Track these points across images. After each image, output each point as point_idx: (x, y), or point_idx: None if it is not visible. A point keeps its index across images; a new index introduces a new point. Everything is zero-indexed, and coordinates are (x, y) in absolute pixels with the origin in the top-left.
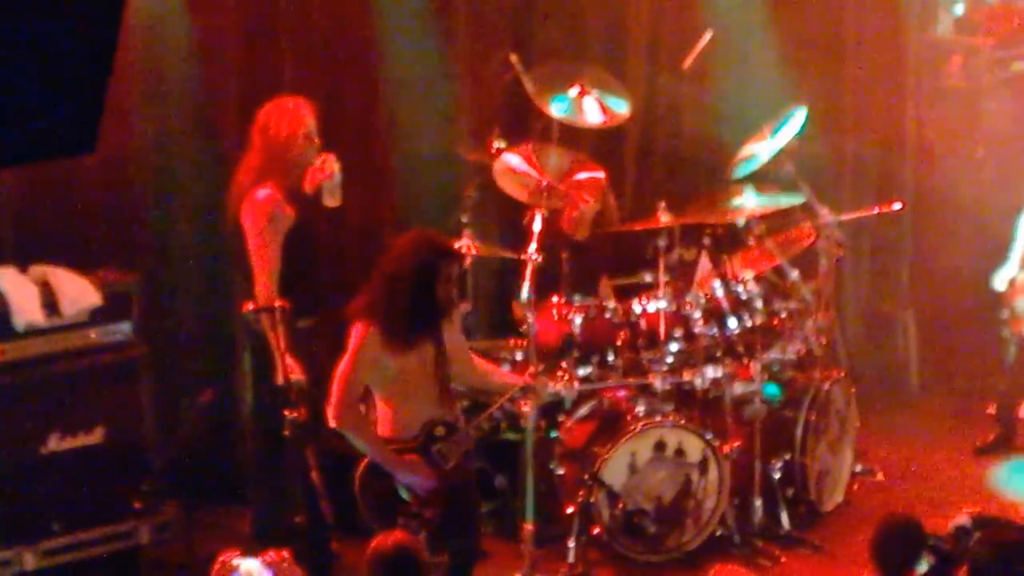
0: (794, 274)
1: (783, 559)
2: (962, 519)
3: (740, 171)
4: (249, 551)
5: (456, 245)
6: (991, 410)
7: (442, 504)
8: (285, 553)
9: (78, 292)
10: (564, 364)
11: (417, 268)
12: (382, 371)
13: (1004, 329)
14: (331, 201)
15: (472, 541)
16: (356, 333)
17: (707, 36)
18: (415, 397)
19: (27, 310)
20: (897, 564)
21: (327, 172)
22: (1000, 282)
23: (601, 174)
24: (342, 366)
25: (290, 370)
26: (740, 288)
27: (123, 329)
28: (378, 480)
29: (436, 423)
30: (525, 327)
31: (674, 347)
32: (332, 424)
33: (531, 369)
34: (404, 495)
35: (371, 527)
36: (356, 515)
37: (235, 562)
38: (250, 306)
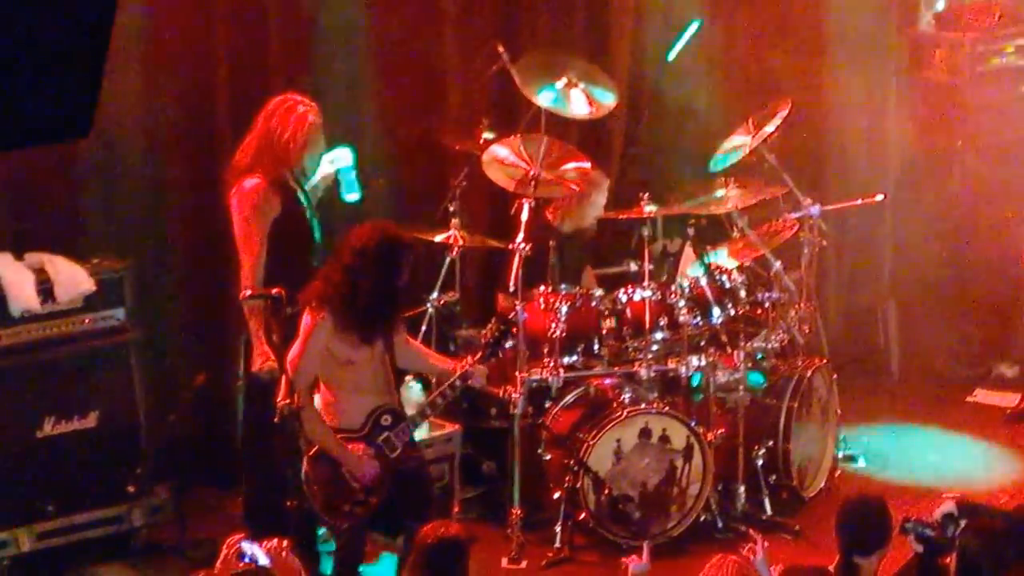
0: (777, 264)
1: (766, 544)
2: (948, 506)
3: (724, 162)
4: (250, 537)
5: (447, 234)
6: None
7: (389, 491)
8: (284, 542)
9: (72, 278)
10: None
11: (379, 260)
12: (332, 359)
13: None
14: (349, 195)
15: (425, 522)
16: (308, 320)
17: (693, 28)
18: (362, 386)
19: (23, 296)
20: (864, 543)
21: (339, 165)
22: None
23: (588, 164)
24: (293, 351)
25: (265, 358)
26: (724, 278)
27: (117, 314)
28: (326, 466)
29: (382, 412)
30: (512, 316)
31: (659, 336)
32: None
33: (469, 357)
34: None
35: (318, 514)
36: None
37: (243, 546)
38: (246, 292)
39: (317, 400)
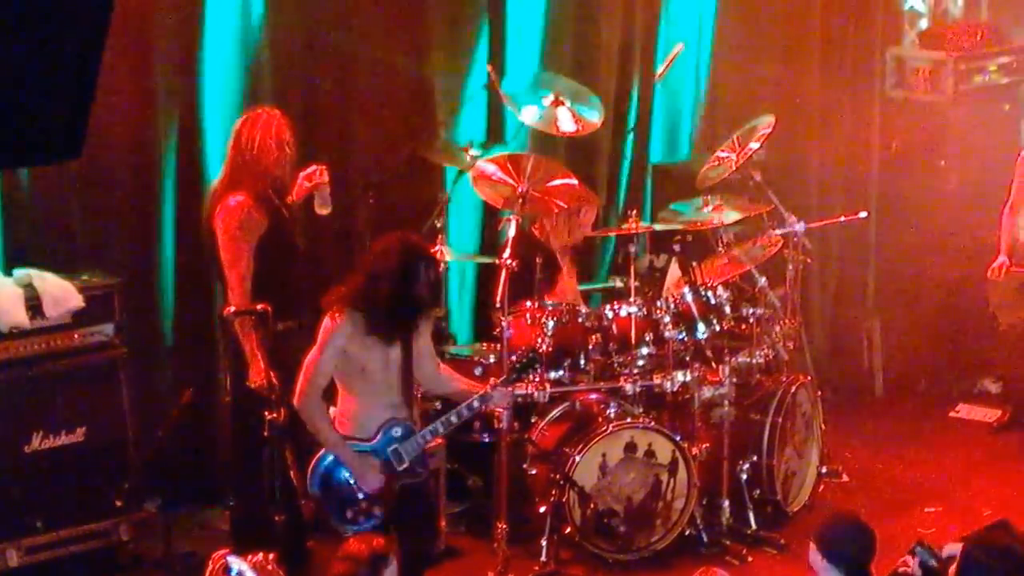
0: (762, 280)
1: (750, 558)
2: (954, 548)
3: (709, 179)
4: (235, 552)
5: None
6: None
7: (392, 504)
8: (270, 555)
9: (61, 294)
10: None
11: (401, 268)
12: (349, 364)
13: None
14: (322, 209)
15: (424, 544)
16: (328, 322)
17: (679, 48)
18: (377, 396)
19: (12, 312)
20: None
21: (318, 181)
22: (993, 272)
23: (574, 181)
24: (312, 353)
25: (263, 374)
26: (709, 294)
27: (105, 331)
28: (332, 475)
29: (394, 424)
30: (498, 331)
31: (644, 351)
32: (296, 404)
33: (492, 380)
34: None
35: (320, 518)
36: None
37: (229, 560)
38: (231, 308)
39: (332, 408)
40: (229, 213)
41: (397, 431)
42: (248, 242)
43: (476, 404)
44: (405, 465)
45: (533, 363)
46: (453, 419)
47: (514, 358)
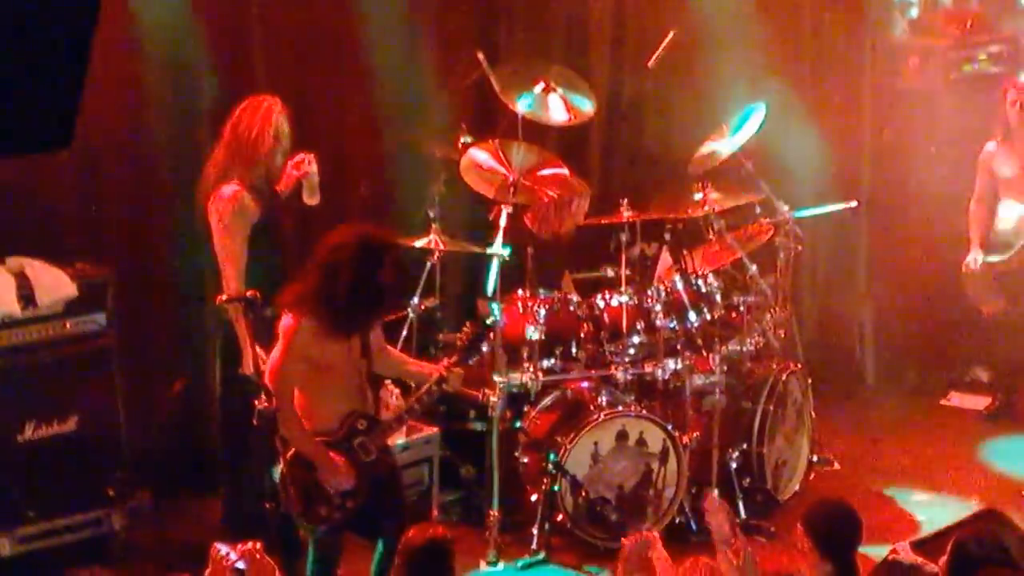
0: (753, 269)
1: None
2: (932, 569)
3: (700, 168)
4: (225, 541)
5: (427, 239)
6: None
7: (364, 496)
8: (257, 544)
9: (54, 283)
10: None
11: (360, 260)
12: (310, 362)
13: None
14: (311, 199)
15: (400, 526)
16: (288, 324)
17: (670, 36)
18: (337, 390)
19: (3, 301)
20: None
21: (306, 171)
22: (967, 265)
23: (565, 170)
24: (274, 356)
25: (257, 361)
26: (700, 282)
27: (97, 320)
28: (303, 470)
29: (357, 416)
30: (491, 321)
31: (636, 340)
32: (274, 409)
33: (445, 360)
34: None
35: (293, 516)
36: None
37: (219, 548)
38: (222, 297)
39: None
40: (224, 203)
41: (362, 423)
42: (243, 231)
43: (435, 388)
44: (372, 457)
45: (480, 339)
46: (416, 407)
47: (460, 336)
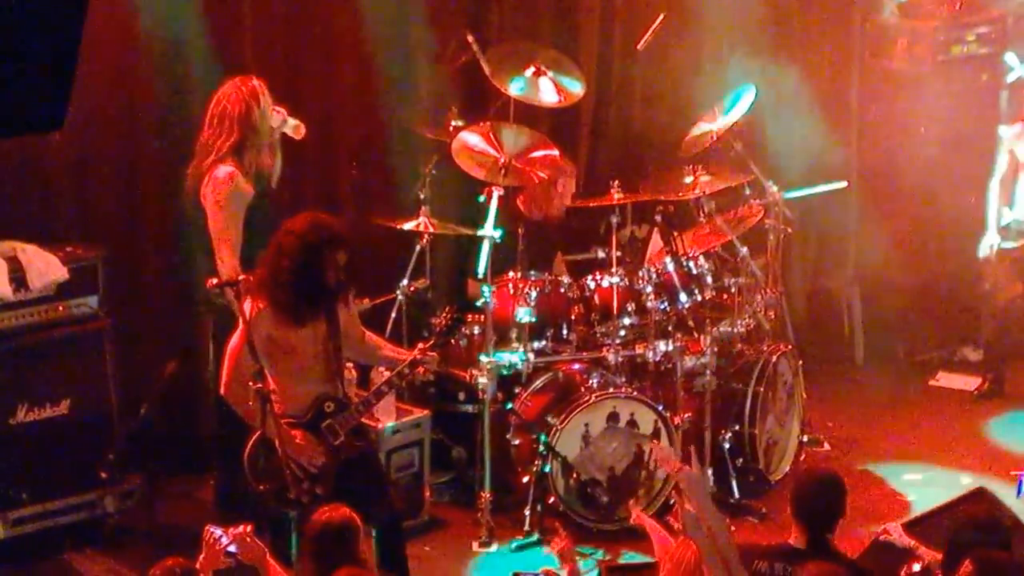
0: (743, 250)
1: (732, 527)
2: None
3: (691, 150)
4: (218, 523)
5: (417, 221)
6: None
7: (333, 479)
8: (248, 527)
9: (45, 266)
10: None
11: (303, 250)
12: (275, 345)
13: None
14: (298, 134)
15: (385, 508)
16: (247, 308)
17: (659, 19)
18: (305, 374)
19: None
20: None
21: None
22: (984, 249)
23: (556, 152)
24: (233, 340)
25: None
26: (691, 264)
27: (89, 302)
28: (269, 454)
29: (326, 399)
30: (481, 302)
31: (627, 321)
32: (221, 392)
33: (420, 344)
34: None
35: (259, 500)
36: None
37: (212, 531)
38: (213, 280)
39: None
40: (219, 184)
41: (330, 406)
42: (238, 213)
43: (407, 371)
44: (341, 439)
45: (457, 325)
46: (384, 388)
47: (438, 321)
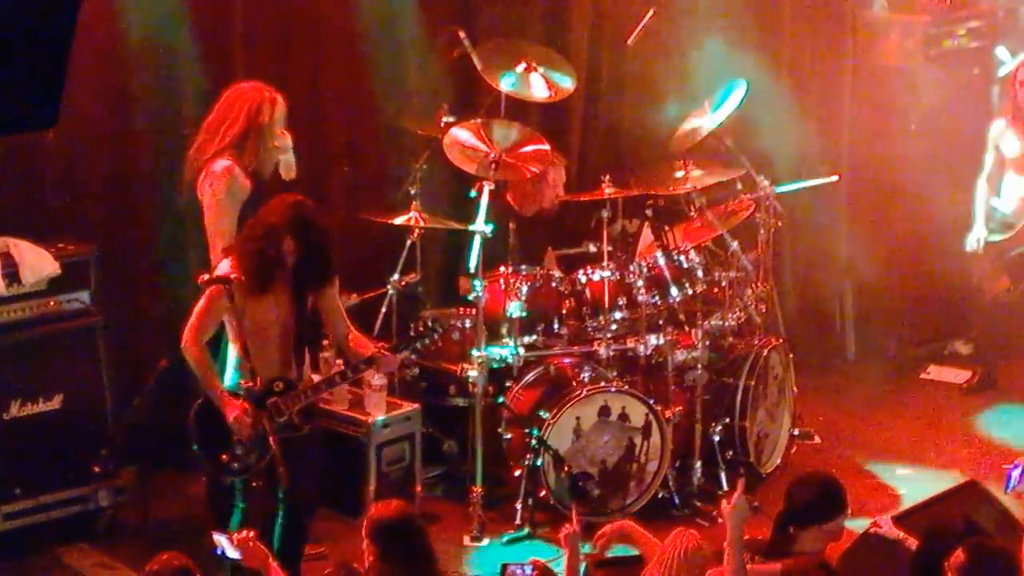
0: (734, 244)
1: (720, 519)
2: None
3: (682, 144)
4: (214, 520)
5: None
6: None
7: (269, 455)
8: (251, 533)
9: (38, 262)
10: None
11: (269, 228)
12: (238, 316)
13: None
14: (287, 174)
15: (301, 494)
16: (226, 267)
17: (650, 14)
18: (266, 353)
19: None
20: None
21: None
22: (971, 243)
23: (547, 147)
24: (203, 299)
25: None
26: (682, 258)
27: (81, 298)
28: (211, 417)
29: (277, 379)
30: (473, 296)
31: (618, 315)
32: (181, 345)
33: (381, 345)
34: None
35: (197, 460)
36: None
37: (215, 537)
38: (205, 276)
39: (231, 353)
40: (216, 178)
41: (279, 385)
42: (234, 208)
43: (362, 366)
44: (284, 418)
45: (428, 336)
46: (337, 379)
47: (416, 325)
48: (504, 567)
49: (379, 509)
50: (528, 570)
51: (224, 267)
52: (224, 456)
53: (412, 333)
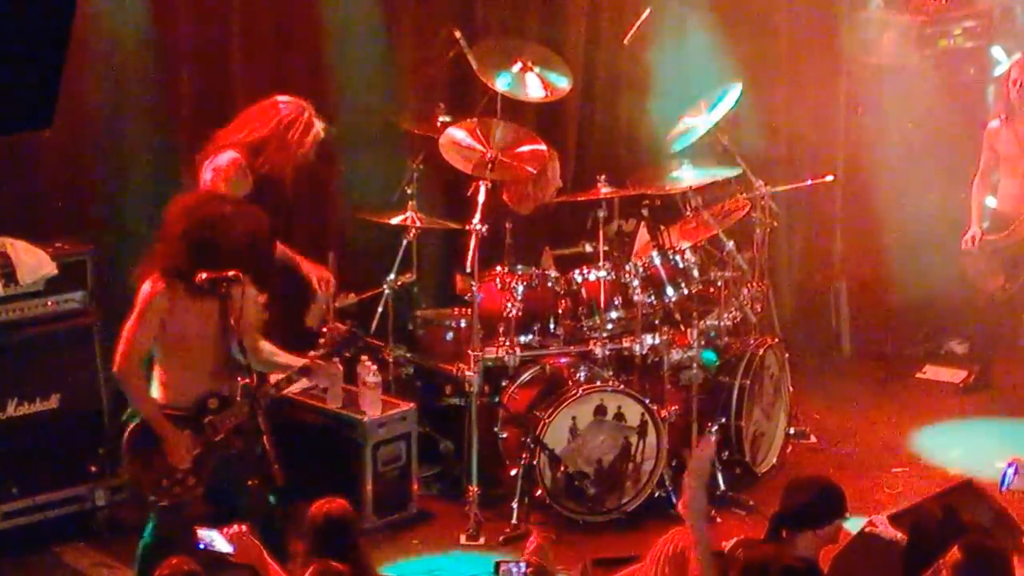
0: (730, 244)
1: (718, 519)
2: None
3: (677, 144)
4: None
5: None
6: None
7: (208, 474)
8: (244, 527)
9: (34, 262)
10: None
11: (204, 225)
12: (166, 331)
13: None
14: (311, 320)
15: (256, 505)
16: (146, 287)
17: (646, 13)
18: (195, 366)
19: None
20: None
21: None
22: (966, 242)
23: (543, 147)
24: (130, 320)
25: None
26: (677, 258)
27: (78, 298)
28: (147, 441)
29: (211, 396)
30: (469, 296)
31: (614, 315)
32: (114, 372)
33: (311, 352)
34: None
35: (136, 486)
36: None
37: (201, 533)
38: (202, 276)
39: (156, 371)
40: (219, 169)
41: (213, 403)
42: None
43: (295, 377)
44: (220, 436)
45: (350, 342)
46: (272, 391)
47: (331, 328)
48: (498, 565)
49: (321, 505)
50: (522, 567)
51: None
52: (164, 481)
53: (331, 340)
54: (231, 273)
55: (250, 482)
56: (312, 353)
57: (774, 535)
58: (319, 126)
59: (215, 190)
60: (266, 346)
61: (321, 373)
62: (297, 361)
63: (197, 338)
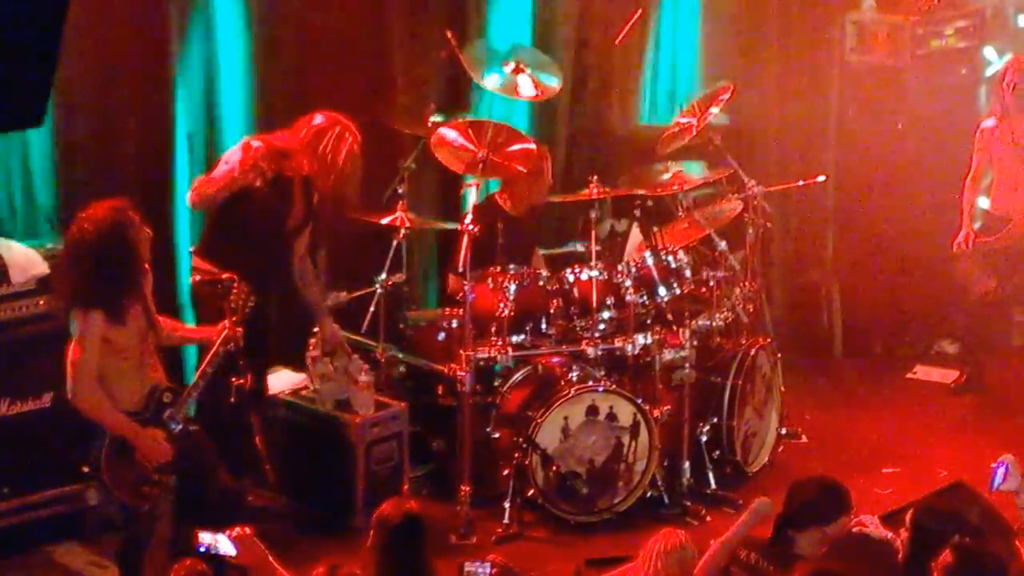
0: (722, 244)
1: (708, 518)
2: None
3: (669, 145)
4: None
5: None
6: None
7: (176, 468)
8: (248, 529)
9: (26, 261)
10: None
11: (112, 238)
12: (108, 348)
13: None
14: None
15: (215, 485)
16: (81, 320)
17: (638, 14)
18: (133, 369)
19: None
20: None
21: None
22: (958, 244)
23: (533, 146)
24: (73, 351)
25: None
26: (670, 258)
27: None
28: (121, 456)
29: (162, 390)
30: (461, 296)
31: (606, 315)
32: (73, 404)
33: (226, 321)
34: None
35: (118, 501)
36: (297, 478)
37: (203, 536)
38: (197, 277)
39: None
40: (234, 151)
41: (167, 396)
42: (241, 180)
43: (222, 349)
44: (180, 427)
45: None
46: (209, 370)
47: (235, 298)
48: (461, 566)
49: (391, 504)
50: (487, 568)
51: None
52: (144, 487)
53: (239, 305)
54: (224, 276)
55: (119, 488)
56: (226, 322)
57: (779, 534)
58: (351, 139)
59: (231, 176)
60: (167, 322)
61: (237, 340)
62: (207, 330)
63: (135, 340)
